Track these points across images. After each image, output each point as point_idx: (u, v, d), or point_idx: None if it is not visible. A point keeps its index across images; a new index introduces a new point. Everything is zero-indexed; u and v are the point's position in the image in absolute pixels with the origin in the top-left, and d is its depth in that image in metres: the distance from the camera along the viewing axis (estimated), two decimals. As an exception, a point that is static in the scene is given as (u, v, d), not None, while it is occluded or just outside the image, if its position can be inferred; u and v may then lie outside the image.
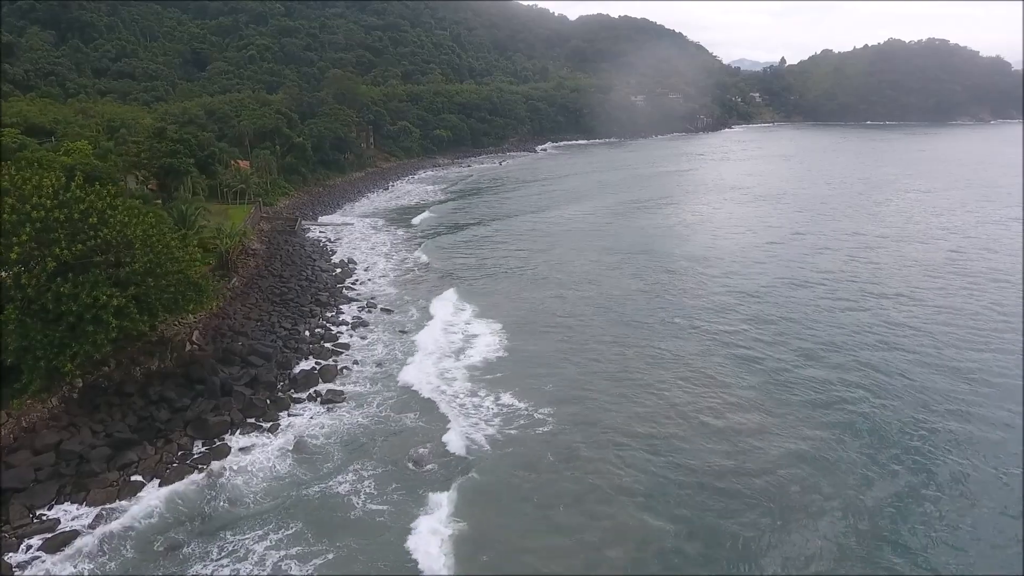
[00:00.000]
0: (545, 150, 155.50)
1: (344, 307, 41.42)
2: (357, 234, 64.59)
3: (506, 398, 29.21)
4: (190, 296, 28.10)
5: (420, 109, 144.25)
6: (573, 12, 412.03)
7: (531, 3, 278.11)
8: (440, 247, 58.76)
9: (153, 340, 29.94)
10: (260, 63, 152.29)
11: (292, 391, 29.57)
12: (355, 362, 33.11)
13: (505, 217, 72.32)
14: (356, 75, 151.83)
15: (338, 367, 32.14)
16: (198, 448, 24.69)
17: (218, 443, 24.89)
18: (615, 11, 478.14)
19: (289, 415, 27.58)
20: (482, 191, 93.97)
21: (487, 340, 35.67)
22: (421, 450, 25.25)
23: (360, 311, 40.68)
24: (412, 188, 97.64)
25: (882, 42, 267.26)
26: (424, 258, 54.06)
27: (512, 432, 26.67)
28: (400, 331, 37.52)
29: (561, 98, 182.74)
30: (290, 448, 25.02)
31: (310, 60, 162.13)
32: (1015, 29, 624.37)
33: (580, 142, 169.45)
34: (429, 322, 38.76)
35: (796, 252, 54.66)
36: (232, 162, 68.70)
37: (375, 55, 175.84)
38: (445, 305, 41.65)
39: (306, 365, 32.32)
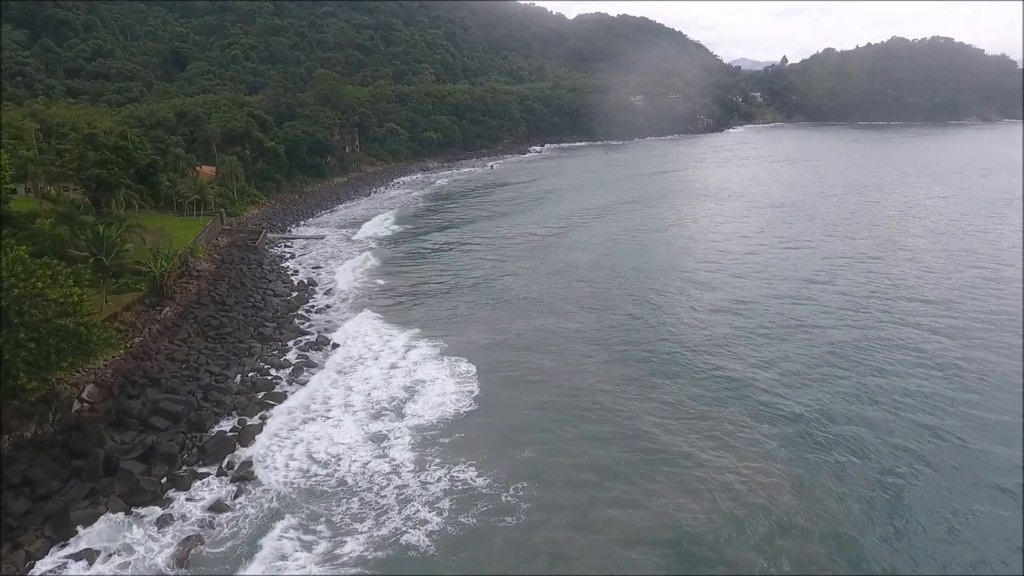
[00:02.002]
0: (539, 152, 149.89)
1: (292, 342, 35.80)
2: (328, 248, 59.04)
3: (462, 472, 23.58)
4: (66, 349, 22.44)
5: (409, 110, 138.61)
6: (571, 11, 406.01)
7: (528, 2, 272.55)
8: (412, 263, 53.21)
9: (33, 399, 24.40)
10: (244, 63, 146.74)
11: (200, 462, 24.00)
12: (280, 425, 27.33)
13: (485, 229, 66.67)
14: (344, 75, 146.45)
15: (262, 426, 26.51)
16: (54, 556, 19.09)
17: (81, 549, 19.28)
18: (614, 10, 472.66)
19: (187, 498, 21.98)
20: (466, 197, 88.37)
21: (447, 388, 29.86)
22: None
23: (308, 348, 34.99)
24: (396, 194, 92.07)
25: (885, 41, 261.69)
26: (391, 280, 48.30)
27: (469, 523, 21.05)
28: (342, 372, 31.85)
29: (557, 98, 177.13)
30: (171, 551, 19.38)
31: (297, 60, 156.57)
32: (1016, 29, 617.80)
33: (576, 144, 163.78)
34: (383, 361, 33.00)
35: (808, 275, 48.90)
36: (193, 169, 63.05)
37: (365, 54, 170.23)
38: (406, 339, 35.94)
39: (226, 424, 26.74)
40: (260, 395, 29.16)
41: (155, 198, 53.57)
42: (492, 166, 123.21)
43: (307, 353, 34.16)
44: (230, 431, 26.12)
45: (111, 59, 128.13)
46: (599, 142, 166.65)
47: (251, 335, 35.69)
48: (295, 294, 44.45)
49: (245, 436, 25.70)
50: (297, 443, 25.52)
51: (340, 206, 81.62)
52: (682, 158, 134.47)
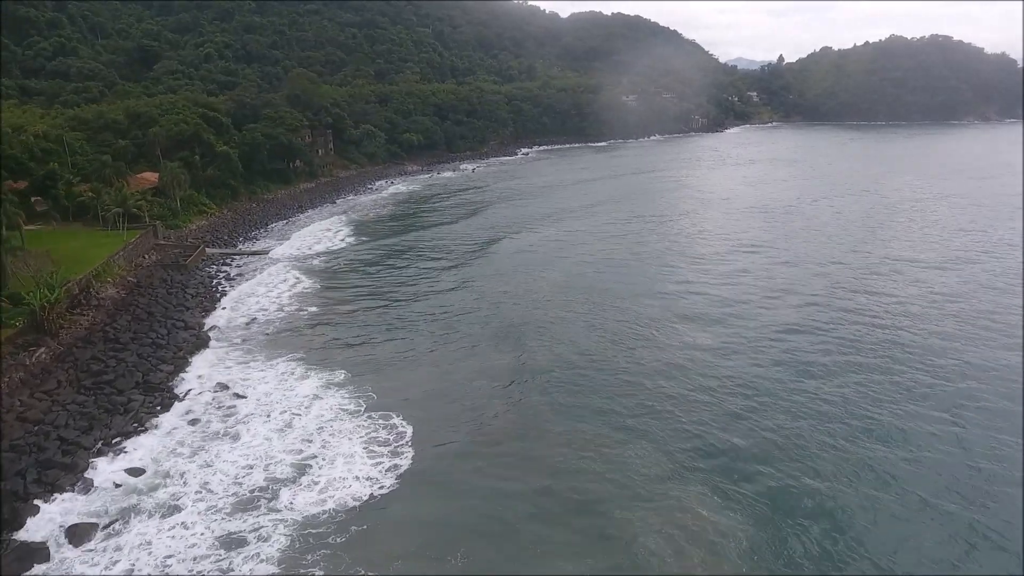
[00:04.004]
0: (527, 154, 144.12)
1: (183, 389, 29.98)
2: (271, 265, 53.07)
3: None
4: None
5: (390, 111, 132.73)
6: (565, 10, 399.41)
7: (522, 1, 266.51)
8: (358, 284, 47.31)
9: None
10: (217, 61, 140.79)
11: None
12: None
13: (447, 242, 60.70)
14: (322, 75, 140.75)
15: (104, 524, 20.64)
16: None
17: None
18: (608, 9, 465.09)
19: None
20: (436, 203, 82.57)
21: (359, 460, 23.91)
22: None
23: (202, 399, 29.13)
24: (363, 200, 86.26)
25: (884, 39, 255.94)
26: (329, 306, 42.35)
27: None
28: (217, 437, 25.76)
29: (547, 98, 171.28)
30: None
31: (275, 59, 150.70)
32: (1015, 28, 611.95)
33: (566, 145, 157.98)
34: (277, 419, 26.95)
35: (809, 305, 43.18)
36: (124, 179, 57.09)
37: (347, 53, 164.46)
38: (319, 385, 30.03)
39: (64, 516, 20.89)
40: (118, 472, 23.29)
41: (61, 213, 47.73)
42: (473, 169, 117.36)
43: (193, 410, 28.12)
44: (59, 527, 20.30)
45: (73, 58, 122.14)
46: (590, 143, 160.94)
47: (135, 384, 29.74)
48: (215, 325, 38.61)
49: (77, 535, 19.85)
50: (116, 555, 19.36)
51: (301, 215, 75.66)
52: (676, 161, 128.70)
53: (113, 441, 25.27)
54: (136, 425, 26.58)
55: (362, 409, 28.02)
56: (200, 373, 31.99)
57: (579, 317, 39.40)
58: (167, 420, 27.24)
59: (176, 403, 28.70)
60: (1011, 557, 19.37)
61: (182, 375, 31.68)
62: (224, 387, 30.11)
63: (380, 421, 26.92)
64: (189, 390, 29.98)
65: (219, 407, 28.38)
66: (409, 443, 25.33)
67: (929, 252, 53.31)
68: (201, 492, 21.92)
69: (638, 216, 71.46)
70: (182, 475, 22.95)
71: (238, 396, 29.25)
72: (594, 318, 39.18)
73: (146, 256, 50.22)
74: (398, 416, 27.21)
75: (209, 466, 23.51)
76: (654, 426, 26.45)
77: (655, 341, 35.49)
